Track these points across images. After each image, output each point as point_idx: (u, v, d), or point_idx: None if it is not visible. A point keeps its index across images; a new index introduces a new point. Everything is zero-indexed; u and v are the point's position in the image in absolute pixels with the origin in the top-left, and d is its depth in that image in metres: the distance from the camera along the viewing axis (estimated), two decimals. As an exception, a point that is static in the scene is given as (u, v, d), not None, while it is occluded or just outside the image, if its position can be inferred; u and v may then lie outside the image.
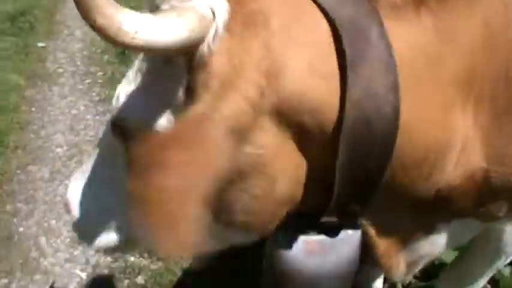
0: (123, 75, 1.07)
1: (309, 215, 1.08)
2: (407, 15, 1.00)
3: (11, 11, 5.82)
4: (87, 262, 2.64)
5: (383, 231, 1.26)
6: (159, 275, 2.54)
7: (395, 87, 0.92)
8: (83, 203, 1.25)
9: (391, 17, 0.99)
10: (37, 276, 2.56)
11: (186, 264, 2.54)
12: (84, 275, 2.57)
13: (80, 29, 5.46)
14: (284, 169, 0.98)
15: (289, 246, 1.10)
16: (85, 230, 1.27)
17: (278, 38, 0.89)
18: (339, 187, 0.99)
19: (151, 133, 0.94)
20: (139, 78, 1.02)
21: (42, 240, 2.78)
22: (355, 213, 1.10)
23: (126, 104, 1.04)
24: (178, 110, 0.93)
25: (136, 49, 0.81)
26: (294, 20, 0.93)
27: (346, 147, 0.94)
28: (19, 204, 3.05)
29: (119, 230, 1.21)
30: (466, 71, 1.05)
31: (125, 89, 1.05)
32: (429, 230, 1.36)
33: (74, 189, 1.25)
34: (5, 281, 2.52)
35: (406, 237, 1.34)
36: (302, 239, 1.11)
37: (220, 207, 0.94)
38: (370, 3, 0.99)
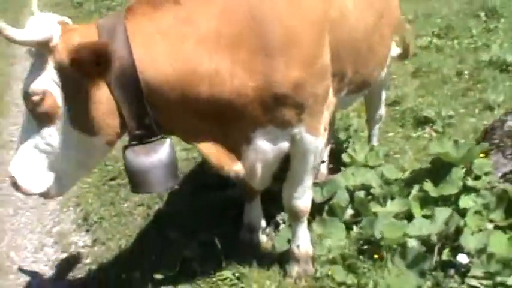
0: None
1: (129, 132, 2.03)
2: (145, 12, 1.90)
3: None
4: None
5: (206, 147, 2.11)
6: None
7: (130, 53, 1.86)
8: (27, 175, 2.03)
9: (131, 16, 1.91)
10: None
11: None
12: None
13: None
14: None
15: (127, 152, 2.03)
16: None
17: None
18: (126, 114, 1.94)
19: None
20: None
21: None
22: (150, 127, 1.97)
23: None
24: None
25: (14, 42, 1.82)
26: None
27: (117, 89, 1.88)
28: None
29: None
30: (212, 34, 1.87)
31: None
32: (245, 140, 2.14)
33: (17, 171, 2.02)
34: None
35: (230, 150, 2.15)
36: (131, 147, 2.03)
37: None
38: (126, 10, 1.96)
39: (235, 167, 2.18)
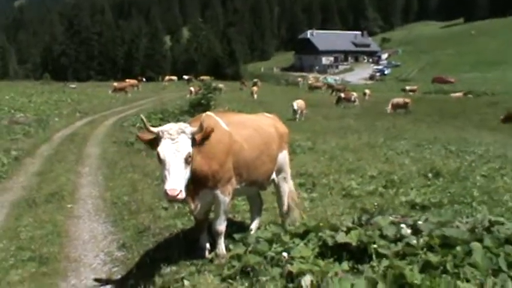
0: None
1: None
2: None
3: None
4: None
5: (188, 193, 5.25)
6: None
7: None
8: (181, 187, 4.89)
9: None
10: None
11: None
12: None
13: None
14: None
15: None
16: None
17: None
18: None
19: None
20: None
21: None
22: None
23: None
24: None
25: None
26: None
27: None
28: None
29: None
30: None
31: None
32: (196, 193, 5.59)
33: (176, 185, 4.86)
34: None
35: (191, 196, 5.57)
36: None
37: None
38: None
39: (192, 205, 5.56)
